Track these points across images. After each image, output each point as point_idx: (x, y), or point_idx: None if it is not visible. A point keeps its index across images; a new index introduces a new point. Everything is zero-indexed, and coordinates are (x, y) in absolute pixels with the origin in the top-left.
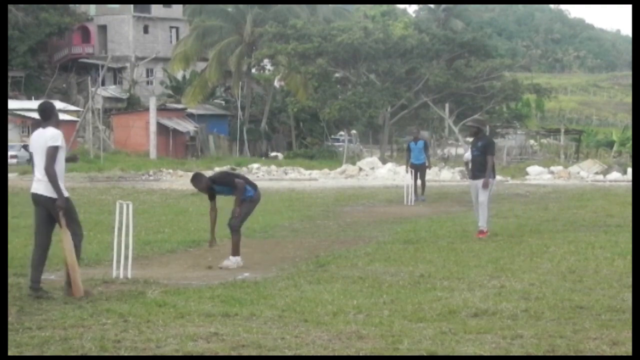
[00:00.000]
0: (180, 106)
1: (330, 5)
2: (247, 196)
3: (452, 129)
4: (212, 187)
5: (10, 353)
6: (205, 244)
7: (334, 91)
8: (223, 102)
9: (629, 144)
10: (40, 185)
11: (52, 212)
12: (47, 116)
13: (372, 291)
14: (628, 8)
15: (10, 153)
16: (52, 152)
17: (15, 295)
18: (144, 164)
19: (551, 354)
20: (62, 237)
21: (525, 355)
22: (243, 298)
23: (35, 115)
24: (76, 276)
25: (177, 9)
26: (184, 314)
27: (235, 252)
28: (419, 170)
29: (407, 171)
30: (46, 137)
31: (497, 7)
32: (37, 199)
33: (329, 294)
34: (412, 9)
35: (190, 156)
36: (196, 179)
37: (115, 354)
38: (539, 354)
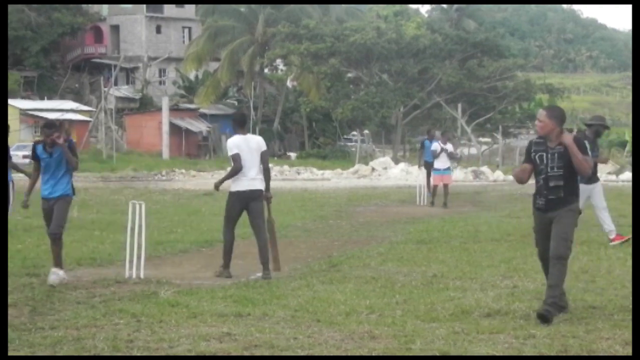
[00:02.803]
0: (192, 106)
1: (342, 5)
2: (69, 194)
3: (465, 129)
4: (53, 146)
5: (23, 353)
6: (218, 244)
7: (346, 91)
8: (235, 102)
9: None
10: (256, 182)
11: (256, 204)
12: (245, 123)
13: (384, 291)
14: None
15: (22, 153)
16: (269, 153)
17: (28, 295)
18: (157, 164)
19: (564, 354)
20: (270, 219)
21: (538, 355)
22: (255, 298)
23: (47, 115)
24: (277, 253)
25: (189, 9)
26: (197, 314)
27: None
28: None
29: (419, 167)
30: (259, 142)
31: (510, 7)
32: (253, 194)
33: (341, 294)
34: (424, 9)
35: (203, 156)
36: (53, 125)
37: (128, 354)
38: (552, 354)
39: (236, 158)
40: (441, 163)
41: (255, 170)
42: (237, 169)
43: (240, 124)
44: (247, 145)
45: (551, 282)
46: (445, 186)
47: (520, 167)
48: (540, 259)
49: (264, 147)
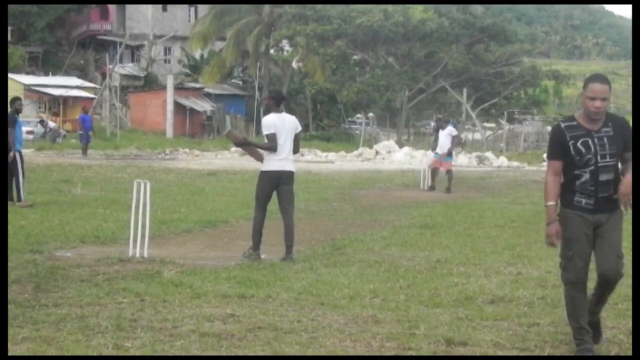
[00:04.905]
0: (197, 85)
1: None
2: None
3: (470, 114)
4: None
5: (26, 330)
6: (222, 224)
7: (352, 73)
8: (240, 82)
9: None
10: (287, 163)
11: (287, 187)
12: (282, 101)
13: (388, 275)
14: None
15: (27, 129)
16: (301, 135)
17: (32, 272)
18: (161, 142)
19: (568, 342)
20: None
21: (542, 342)
22: (259, 280)
23: (51, 91)
24: None
25: None
26: (200, 294)
27: None
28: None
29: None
30: (295, 122)
31: None
32: (284, 175)
33: (345, 278)
34: None
35: (207, 135)
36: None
37: (131, 333)
38: (556, 342)
39: (272, 137)
40: (441, 148)
41: (287, 151)
42: (271, 148)
43: (277, 101)
44: (283, 124)
45: (598, 308)
46: (448, 171)
47: (551, 178)
48: (572, 282)
49: (299, 127)
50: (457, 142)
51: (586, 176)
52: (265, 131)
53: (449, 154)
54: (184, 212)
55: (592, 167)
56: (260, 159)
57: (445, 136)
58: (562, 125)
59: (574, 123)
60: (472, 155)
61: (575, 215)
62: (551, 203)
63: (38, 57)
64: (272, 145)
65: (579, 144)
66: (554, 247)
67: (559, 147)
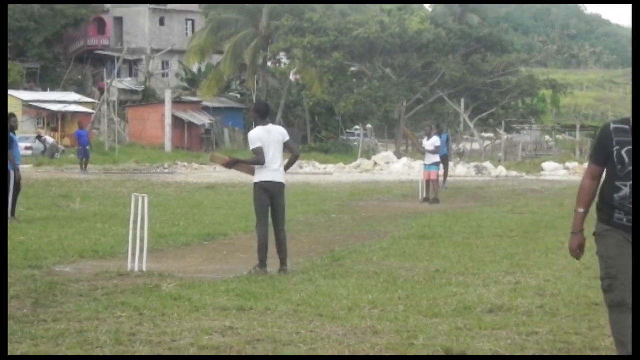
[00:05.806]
0: (195, 99)
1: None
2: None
3: (468, 124)
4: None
5: (25, 346)
6: (221, 237)
7: (349, 85)
8: (238, 96)
9: None
10: (279, 175)
11: (279, 199)
12: (267, 113)
13: (387, 286)
14: None
15: (25, 145)
16: (293, 141)
17: (31, 287)
18: (159, 156)
19: (566, 351)
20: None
21: (540, 351)
22: (258, 292)
23: (49, 107)
24: None
25: None
26: (199, 307)
27: None
28: (443, 162)
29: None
30: (282, 133)
31: None
32: (276, 187)
33: (344, 289)
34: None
35: (206, 149)
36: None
37: (130, 348)
38: (554, 352)
39: (259, 152)
40: (427, 159)
41: (279, 162)
42: (259, 162)
43: (262, 114)
44: (269, 136)
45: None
46: (434, 182)
47: (588, 182)
48: (619, 303)
49: (287, 137)
50: (435, 151)
51: (625, 190)
52: (251, 145)
53: (434, 164)
54: (182, 225)
55: (631, 181)
56: (253, 172)
57: (430, 146)
58: (612, 126)
59: (626, 127)
60: (470, 165)
61: (616, 232)
62: (582, 210)
63: (36, 73)
64: (259, 159)
65: (623, 152)
66: (578, 259)
67: (604, 151)
